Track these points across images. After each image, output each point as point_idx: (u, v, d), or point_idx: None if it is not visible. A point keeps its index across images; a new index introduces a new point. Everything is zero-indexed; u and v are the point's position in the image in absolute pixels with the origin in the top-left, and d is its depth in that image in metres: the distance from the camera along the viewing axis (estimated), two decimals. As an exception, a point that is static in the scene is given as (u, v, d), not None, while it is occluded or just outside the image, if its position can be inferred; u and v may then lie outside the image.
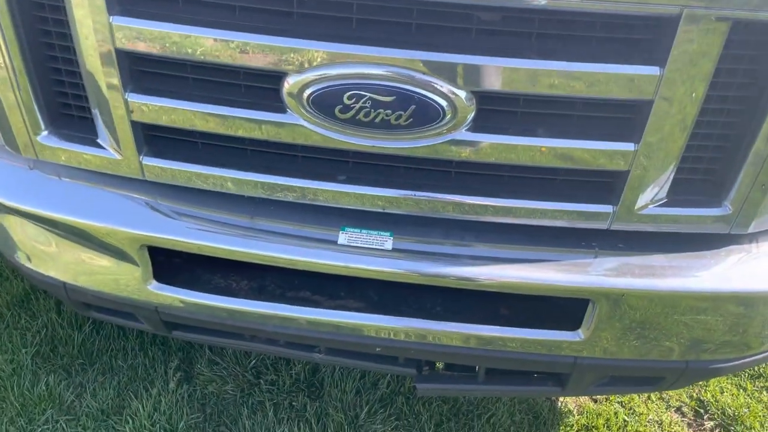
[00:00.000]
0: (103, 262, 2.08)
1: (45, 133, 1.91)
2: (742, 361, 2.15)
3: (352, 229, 2.00)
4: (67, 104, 1.91)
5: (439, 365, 2.45)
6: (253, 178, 1.88)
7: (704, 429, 2.88)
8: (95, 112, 1.78)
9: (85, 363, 2.96)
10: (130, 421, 2.69)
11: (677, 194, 1.80)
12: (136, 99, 1.72)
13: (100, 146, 1.87)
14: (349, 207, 1.96)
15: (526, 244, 2.05)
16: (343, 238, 2.00)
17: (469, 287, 2.00)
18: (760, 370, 3.17)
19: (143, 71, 1.70)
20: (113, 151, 1.85)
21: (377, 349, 2.21)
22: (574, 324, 2.12)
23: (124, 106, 1.73)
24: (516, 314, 2.25)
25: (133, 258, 2.02)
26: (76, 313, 3.06)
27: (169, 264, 2.19)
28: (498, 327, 2.14)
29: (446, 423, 2.83)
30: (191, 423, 2.75)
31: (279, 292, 2.31)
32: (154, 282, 2.10)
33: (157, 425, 2.70)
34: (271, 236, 2.08)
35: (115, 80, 1.68)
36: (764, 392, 3.05)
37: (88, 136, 1.88)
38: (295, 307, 2.22)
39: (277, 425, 2.74)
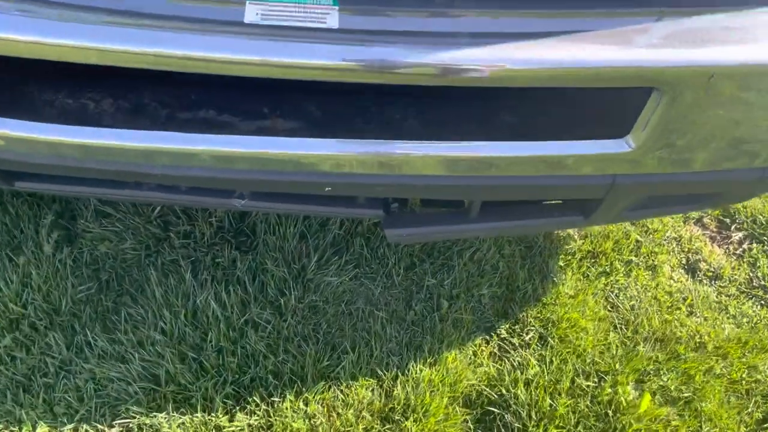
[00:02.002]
0: None
1: None
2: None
3: (267, -5, 1.17)
4: None
5: (415, 201, 1.77)
6: None
7: (731, 241, 2.38)
8: None
9: None
10: (-8, 305, 1.96)
11: None
12: None
13: None
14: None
15: (553, 5, 1.28)
16: (252, 12, 1.18)
17: (464, 84, 1.25)
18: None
19: None
20: None
21: (326, 189, 1.48)
22: (612, 130, 1.43)
23: None
24: (526, 123, 1.54)
25: None
26: None
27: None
28: (503, 144, 1.43)
29: (419, 265, 2.22)
30: (81, 296, 2.04)
31: (165, 114, 1.51)
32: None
33: (32, 305, 1.98)
34: (133, 20, 1.24)
35: None
36: (794, 192, 2.54)
37: None
38: (194, 135, 1.44)
39: (199, 289, 2.07)
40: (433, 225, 1.69)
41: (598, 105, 1.52)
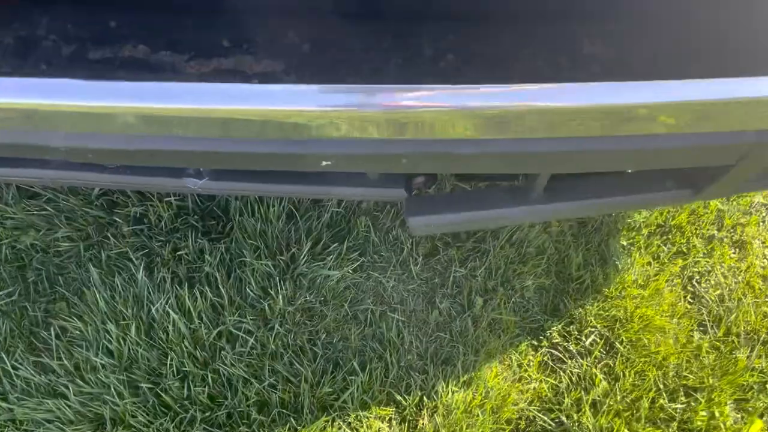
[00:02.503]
0: None
1: None
2: None
3: None
4: None
5: (446, 176, 1.26)
6: None
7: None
8: None
9: None
10: None
11: None
12: None
13: None
14: None
15: None
16: None
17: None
18: None
19: None
20: None
21: (322, 164, 0.96)
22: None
23: None
24: (626, 56, 1.00)
25: None
26: None
27: None
28: (613, 86, 0.92)
29: (443, 251, 1.71)
30: None
31: (69, 53, 0.99)
32: None
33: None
34: None
35: None
36: None
37: None
38: (113, 84, 0.89)
39: (156, 293, 1.56)
40: (475, 209, 1.17)
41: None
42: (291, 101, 0.85)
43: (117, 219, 1.67)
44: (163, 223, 1.67)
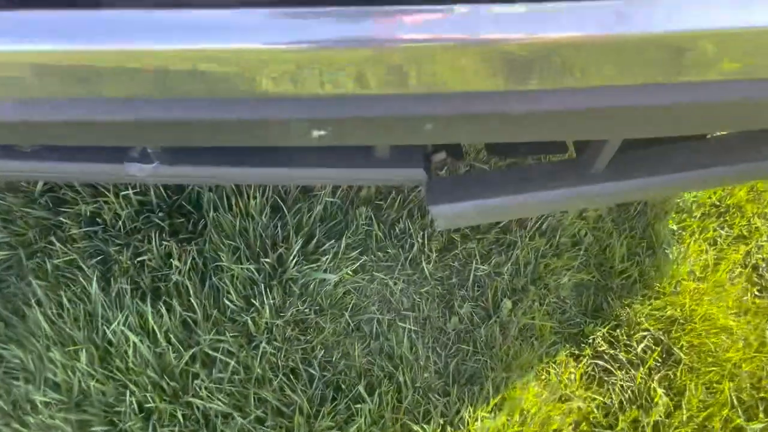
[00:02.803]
0: None
1: None
2: None
3: None
4: None
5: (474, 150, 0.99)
6: None
7: None
8: None
9: None
10: None
11: None
12: None
13: None
14: None
15: None
16: None
17: None
18: None
19: None
20: None
21: (314, 135, 0.66)
22: None
23: None
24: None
25: None
26: None
27: None
28: None
29: (461, 244, 1.42)
30: None
31: None
32: None
33: None
34: None
35: None
36: None
37: None
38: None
39: (112, 308, 1.27)
40: (518, 192, 0.88)
41: None
42: (252, 34, 0.56)
43: (64, 220, 1.37)
44: (120, 222, 1.37)
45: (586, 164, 0.87)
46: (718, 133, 0.97)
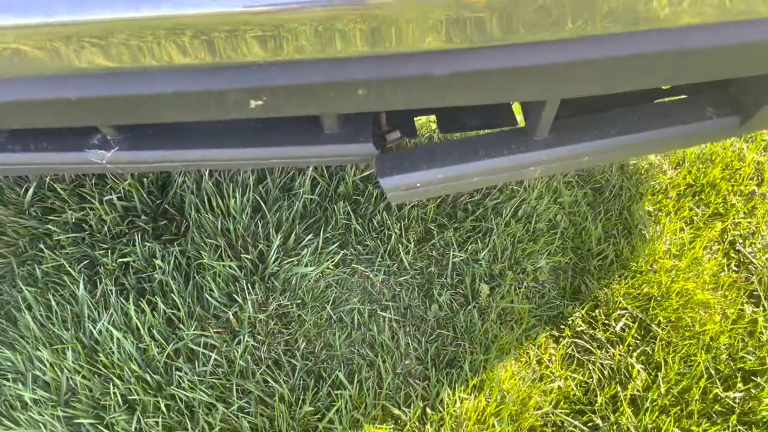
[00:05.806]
0: None
1: None
2: None
3: None
4: None
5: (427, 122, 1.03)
6: None
7: None
8: None
9: None
10: None
11: None
12: None
13: None
14: None
15: None
16: None
17: None
18: None
19: None
20: None
21: (251, 105, 0.71)
22: None
23: None
24: None
25: None
26: None
27: None
28: None
29: (438, 233, 1.45)
30: None
31: None
32: None
33: None
34: None
35: None
36: None
37: None
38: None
39: (97, 309, 1.31)
40: (464, 161, 0.92)
41: None
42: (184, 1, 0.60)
43: (52, 228, 1.42)
44: (106, 227, 1.42)
45: (530, 130, 0.90)
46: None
